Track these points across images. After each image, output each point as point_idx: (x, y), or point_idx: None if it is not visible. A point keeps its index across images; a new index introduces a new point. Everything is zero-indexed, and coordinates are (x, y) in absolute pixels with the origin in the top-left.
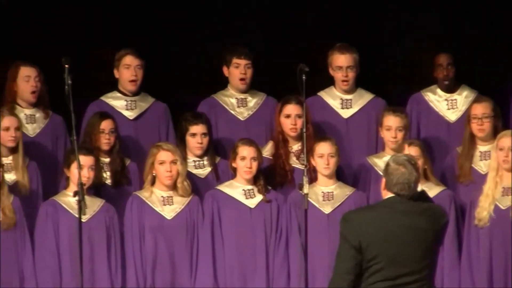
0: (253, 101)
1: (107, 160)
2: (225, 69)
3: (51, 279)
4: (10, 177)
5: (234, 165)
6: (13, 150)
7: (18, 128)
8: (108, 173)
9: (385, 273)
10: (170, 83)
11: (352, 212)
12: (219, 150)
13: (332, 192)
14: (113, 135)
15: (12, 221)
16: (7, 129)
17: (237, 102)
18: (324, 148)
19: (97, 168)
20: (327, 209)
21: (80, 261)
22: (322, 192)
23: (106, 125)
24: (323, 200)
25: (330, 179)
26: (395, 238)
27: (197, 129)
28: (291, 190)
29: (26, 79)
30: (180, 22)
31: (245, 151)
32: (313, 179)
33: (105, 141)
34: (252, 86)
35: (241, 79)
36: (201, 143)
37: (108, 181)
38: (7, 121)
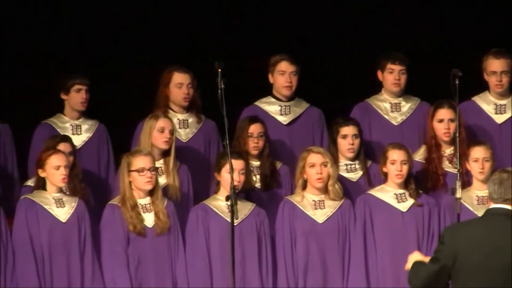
0: (406, 106)
1: (257, 163)
2: (379, 74)
3: (202, 283)
4: (161, 180)
5: (384, 169)
6: (164, 154)
7: (172, 132)
8: (258, 177)
9: None
10: (324, 88)
11: None
12: (372, 155)
13: (487, 196)
14: (262, 139)
15: (166, 225)
16: (162, 130)
17: (391, 106)
18: (479, 152)
19: (247, 172)
20: (481, 213)
21: (232, 265)
22: (477, 196)
23: (254, 129)
24: (478, 204)
25: (485, 183)
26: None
27: (348, 130)
28: (443, 194)
29: (179, 86)
30: (334, 27)
31: (395, 155)
32: (465, 183)
33: (253, 145)
34: (406, 91)
35: (395, 84)
36: (352, 145)
37: (258, 185)
38: (162, 122)
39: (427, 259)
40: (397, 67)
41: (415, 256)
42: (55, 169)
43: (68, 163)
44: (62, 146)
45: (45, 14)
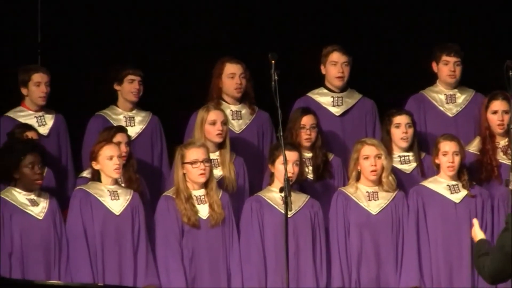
0: (461, 98)
1: (309, 155)
2: (434, 65)
3: (256, 274)
4: (216, 172)
5: (437, 161)
6: (220, 146)
7: (225, 122)
8: (310, 168)
9: None
10: (378, 80)
11: None
12: (426, 146)
13: None
14: (314, 131)
15: (220, 216)
16: (214, 123)
17: (446, 98)
18: None
19: (300, 163)
20: None
21: (286, 257)
22: None
23: (307, 120)
24: None
25: None
26: None
27: (401, 119)
28: (497, 185)
29: (231, 76)
30: (388, 18)
31: (447, 146)
32: None
33: (306, 136)
34: (461, 83)
35: (450, 75)
36: (406, 133)
37: (310, 176)
38: (213, 115)
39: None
40: (452, 59)
41: (478, 232)
42: (108, 160)
43: (122, 154)
44: (119, 137)
45: (99, 5)
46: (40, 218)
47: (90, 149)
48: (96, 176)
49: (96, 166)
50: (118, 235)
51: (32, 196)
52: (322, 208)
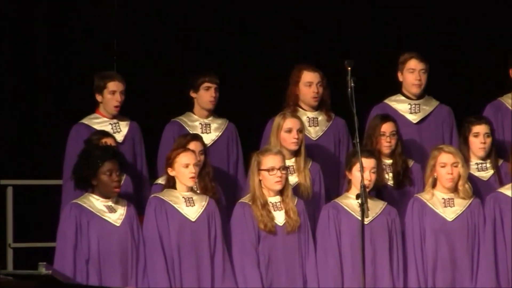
0: None
1: (389, 162)
2: (511, 72)
3: (333, 281)
4: (292, 179)
5: None
6: (295, 153)
7: (301, 130)
8: (390, 175)
9: None
10: (455, 86)
11: None
12: (503, 153)
13: None
14: (394, 138)
15: (296, 223)
16: (290, 130)
17: None
18: None
19: (379, 170)
20: None
21: (362, 264)
22: None
23: (387, 127)
24: None
25: None
26: None
27: (480, 128)
28: None
29: (308, 84)
30: (463, 24)
31: None
32: None
33: (386, 143)
34: None
35: None
36: (484, 143)
37: (390, 183)
38: (290, 122)
39: None
40: None
41: None
42: (184, 167)
43: (198, 161)
44: (193, 145)
45: (175, 12)
46: (118, 224)
47: (165, 156)
48: (171, 183)
49: (171, 172)
50: (195, 241)
51: (110, 203)
52: (402, 215)
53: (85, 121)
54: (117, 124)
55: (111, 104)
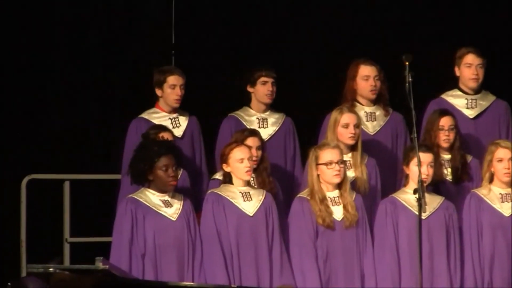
0: None
1: (447, 157)
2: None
3: (390, 276)
4: (349, 174)
5: None
6: (352, 148)
7: (358, 125)
8: (449, 170)
9: None
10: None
11: None
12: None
13: None
14: (453, 132)
15: (354, 218)
16: (347, 125)
17: None
18: None
19: (437, 165)
20: None
21: (420, 259)
22: None
23: (445, 122)
24: None
25: None
26: None
27: None
28: None
29: (366, 78)
30: None
31: None
32: None
33: (444, 138)
34: None
35: None
36: None
37: (449, 178)
38: (347, 117)
39: None
40: None
41: None
42: (239, 162)
43: (253, 156)
44: (251, 141)
45: (232, 7)
46: (174, 219)
47: (220, 151)
48: (228, 178)
49: (226, 168)
50: (253, 236)
51: (166, 198)
52: (460, 211)
53: (145, 115)
54: (177, 119)
55: (171, 98)
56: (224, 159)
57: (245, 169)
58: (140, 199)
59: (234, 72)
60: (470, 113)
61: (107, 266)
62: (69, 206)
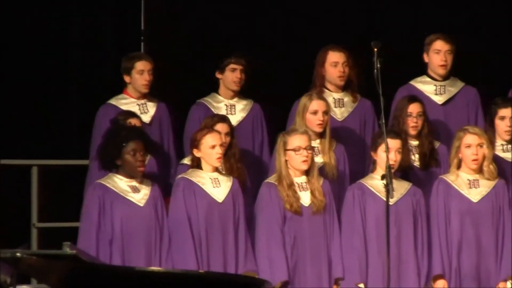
0: None
1: (415, 143)
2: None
3: (357, 262)
4: (317, 160)
5: None
6: (321, 134)
7: (327, 112)
8: (417, 156)
9: None
10: (480, 67)
11: None
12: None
13: None
14: (421, 119)
15: (322, 203)
16: (315, 112)
17: None
18: None
19: (405, 151)
20: None
21: (387, 245)
22: None
23: (413, 108)
24: None
25: None
26: None
27: (507, 112)
28: None
29: (334, 65)
30: (493, 6)
31: None
32: None
33: (412, 124)
34: None
35: None
36: (511, 127)
37: (416, 164)
38: (315, 104)
39: None
40: None
41: None
42: (210, 149)
43: (224, 143)
44: (220, 127)
45: None
46: (141, 205)
47: (191, 137)
48: (196, 163)
49: (197, 154)
50: (221, 222)
51: (134, 183)
52: (428, 196)
53: (113, 101)
54: (145, 105)
55: (140, 83)
56: (196, 144)
57: (216, 155)
58: (108, 185)
59: (204, 59)
60: (439, 99)
61: (75, 251)
62: (36, 191)
